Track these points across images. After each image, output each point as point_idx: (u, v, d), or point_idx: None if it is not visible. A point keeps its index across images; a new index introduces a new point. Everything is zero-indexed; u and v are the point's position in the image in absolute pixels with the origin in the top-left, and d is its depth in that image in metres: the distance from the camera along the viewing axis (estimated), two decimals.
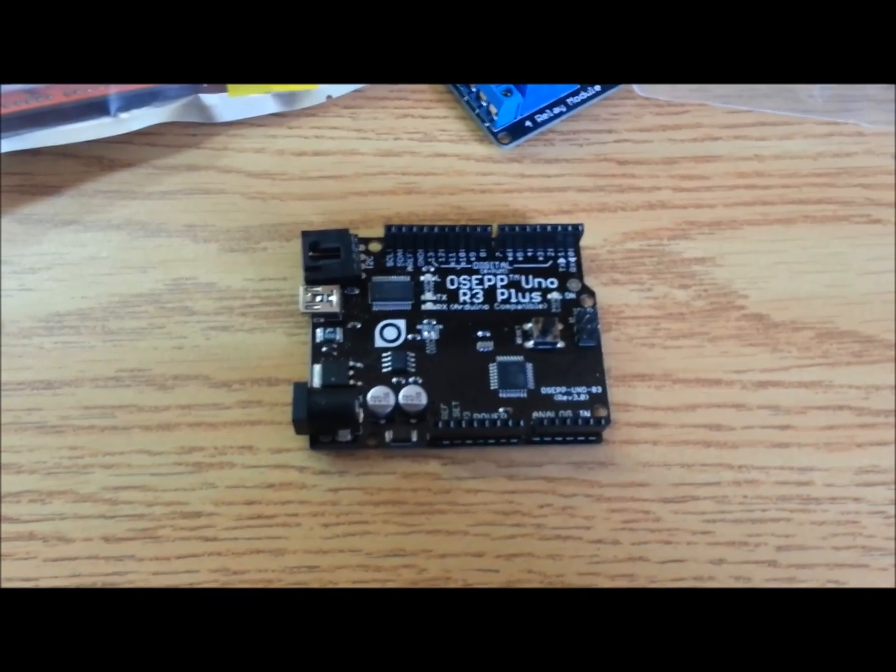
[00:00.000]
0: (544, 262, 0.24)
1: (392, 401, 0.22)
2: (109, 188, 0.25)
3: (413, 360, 0.23)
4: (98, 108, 0.25)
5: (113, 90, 0.25)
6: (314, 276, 0.23)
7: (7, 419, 0.22)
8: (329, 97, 0.27)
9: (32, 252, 0.24)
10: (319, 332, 0.23)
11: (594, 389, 0.23)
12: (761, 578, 0.21)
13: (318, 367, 0.22)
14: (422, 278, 0.24)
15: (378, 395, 0.22)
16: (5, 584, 0.21)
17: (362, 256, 0.24)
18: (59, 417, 0.22)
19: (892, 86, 0.28)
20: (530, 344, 0.23)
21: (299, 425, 0.21)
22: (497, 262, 0.24)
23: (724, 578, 0.21)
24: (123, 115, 0.25)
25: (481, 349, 0.23)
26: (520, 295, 0.24)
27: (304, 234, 0.23)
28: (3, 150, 0.24)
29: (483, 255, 0.24)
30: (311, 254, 0.23)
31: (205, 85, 0.26)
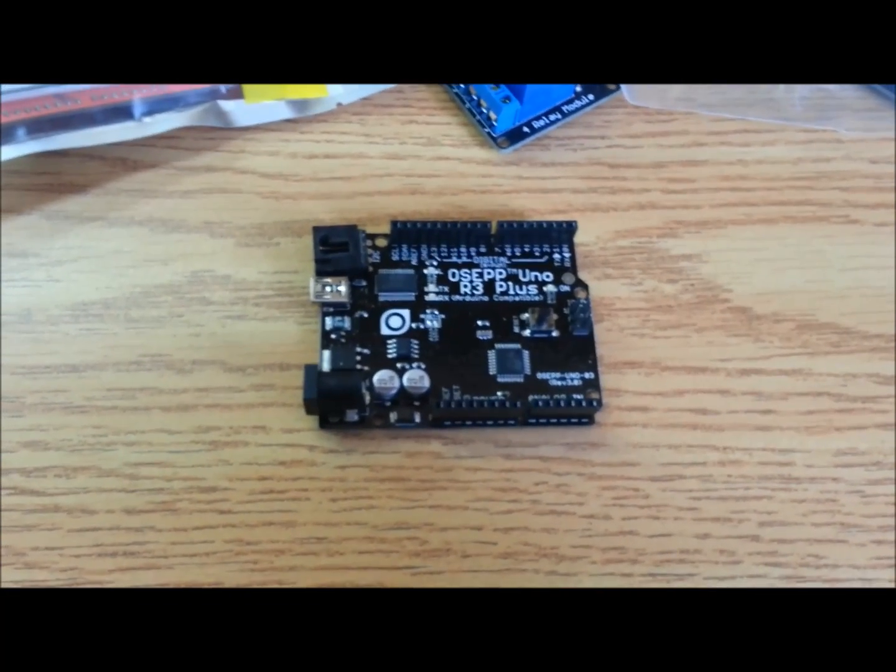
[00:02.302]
0: (540, 257, 0.26)
1: (397, 384, 0.23)
2: (133, 187, 0.27)
3: (416, 346, 0.24)
4: (123, 113, 0.26)
5: (137, 96, 0.26)
6: (324, 268, 0.24)
7: (35, 400, 0.23)
8: (339, 104, 0.28)
9: (60, 246, 0.26)
10: (329, 320, 0.24)
11: (587, 375, 0.24)
12: (744, 552, 0.23)
13: (327, 353, 0.24)
14: (425, 271, 0.25)
15: (384, 379, 0.23)
16: (31, 553, 0.22)
17: (369, 251, 0.25)
18: (84, 398, 0.24)
19: (869, 95, 0.29)
20: (527, 333, 0.25)
21: (309, 405, 0.23)
22: (496, 257, 0.26)
23: (708, 552, 0.23)
24: (147, 120, 0.27)
25: (481, 337, 0.24)
26: (517, 287, 0.25)
27: (315, 229, 0.25)
28: (34, 151, 0.25)
29: (483, 250, 0.26)
30: (321, 248, 0.25)
31: (223, 91, 0.27)
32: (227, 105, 0.27)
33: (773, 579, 0.22)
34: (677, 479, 0.23)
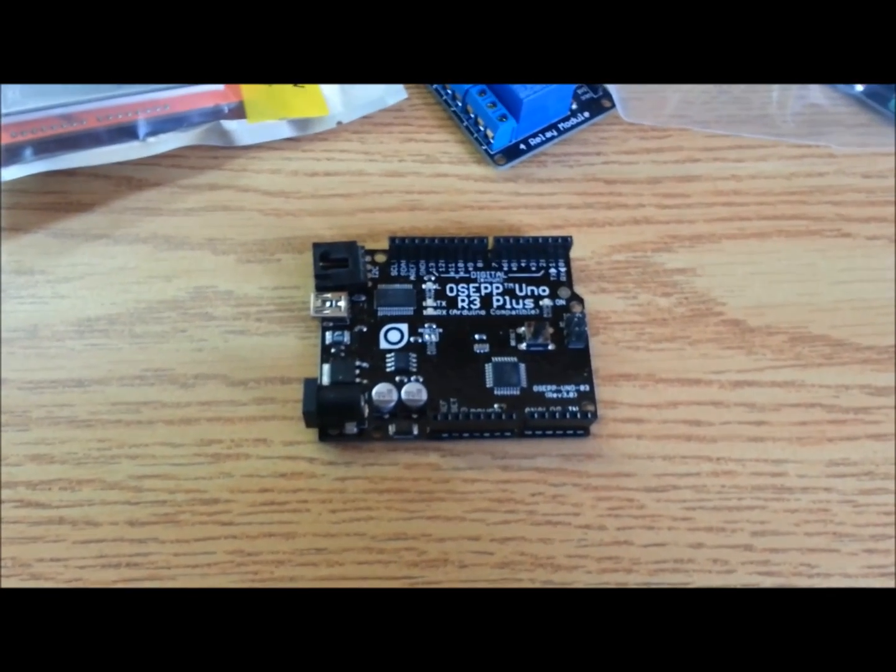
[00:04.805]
0: (537, 271, 0.26)
1: (395, 397, 0.24)
2: (137, 205, 0.27)
3: (415, 360, 0.25)
4: (128, 133, 0.27)
5: (141, 116, 0.27)
6: (324, 283, 0.25)
7: (41, 414, 0.24)
8: (339, 123, 0.29)
9: (66, 263, 0.26)
10: (328, 334, 0.25)
11: (582, 388, 0.25)
12: (737, 561, 0.23)
13: (326, 367, 0.24)
14: (423, 286, 0.26)
15: (382, 392, 0.24)
16: (36, 564, 0.22)
17: (368, 266, 0.26)
18: (89, 412, 0.24)
19: (861, 111, 0.30)
20: (523, 346, 0.25)
21: (309, 418, 0.23)
22: (493, 272, 0.26)
23: (702, 561, 0.23)
24: (151, 139, 0.27)
25: (478, 350, 0.25)
26: (514, 301, 0.26)
27: (316, 245, 0.25)
28: (41, 171, 0.26)
29: (480, 265, 0.26)
30: (321, 264, 0.25)
31: (226, 111, 0.28)
32: (230, 125, 0.28)
33: (765, 588, 0.23)
34: (671, 490, 0.24)
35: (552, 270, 0.26)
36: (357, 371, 0.24)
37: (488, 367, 0.25)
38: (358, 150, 0.29)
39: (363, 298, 0.26)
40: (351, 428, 0.24)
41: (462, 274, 0.26)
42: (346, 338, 0.25)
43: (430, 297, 0.26)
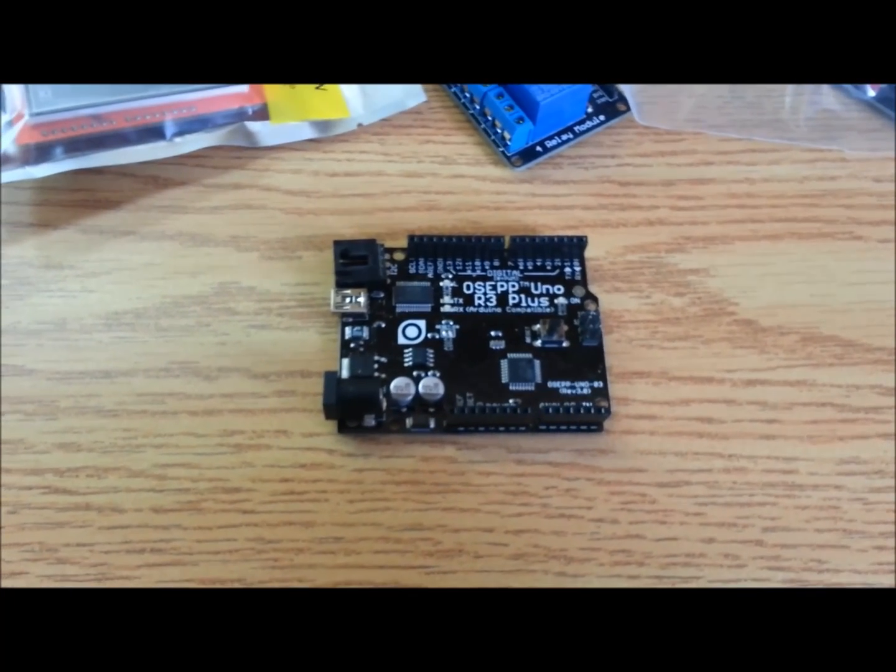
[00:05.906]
0: (552, 270, 0.27)
1: (412, 391, 0.24)
2: (163, 203, 0.28)
3: (432, 355, 0.25)
4: (155, 133, 0.28)
5: (168, 117, 0.28)
6: (344, 280, 0.26)
7: (69, 403, 0.25)
8: (360, 125, 0.30)
9: (94, 258, 0.27)
10: (348, 330, 0.26)
11: (596, 384, 0.25)
12: (748, 556, 0.23)
13: (346, 361, 0.25)
14: (441, 284, 0.26)
15: (400, 385, 0.24)
16: (62, 549, 0.23)
17: (388, 264, 0.27)
18: (116, 403, 0.25)
19: (873, 116, 0.30)
20: (538, 343, 0.26)
21: (329, 410, 0.24)
22: (509, 270, 0.27)
23: (713, 556, 0.23)
24: (177, 140, 0.28)
25: (494, 347, 0.25)
26: (529, 300, 0.26)
27: (336, 243, 0.26)
28: (71, 169, 0.27)
29: (496, 263, 0.27)
30: (341, 261, 0.26)
31: (250, 113, 0.29)
32: (254, 126, 0.29)
33: (776, 583, 0.23)
34: (683, 486, 0.24)
35: (567, 269, 0.27)
36: (376, 365, 0.25)
37: (504, 363, 0.25)
38: (377, 152, 0.29)
39: (382, 295, 0.26)
40: (369, 420, 0.24)
41: (479, 272, 0.27)
42: (366, 333, 0.25)
43: (447, 295, 0.26)
